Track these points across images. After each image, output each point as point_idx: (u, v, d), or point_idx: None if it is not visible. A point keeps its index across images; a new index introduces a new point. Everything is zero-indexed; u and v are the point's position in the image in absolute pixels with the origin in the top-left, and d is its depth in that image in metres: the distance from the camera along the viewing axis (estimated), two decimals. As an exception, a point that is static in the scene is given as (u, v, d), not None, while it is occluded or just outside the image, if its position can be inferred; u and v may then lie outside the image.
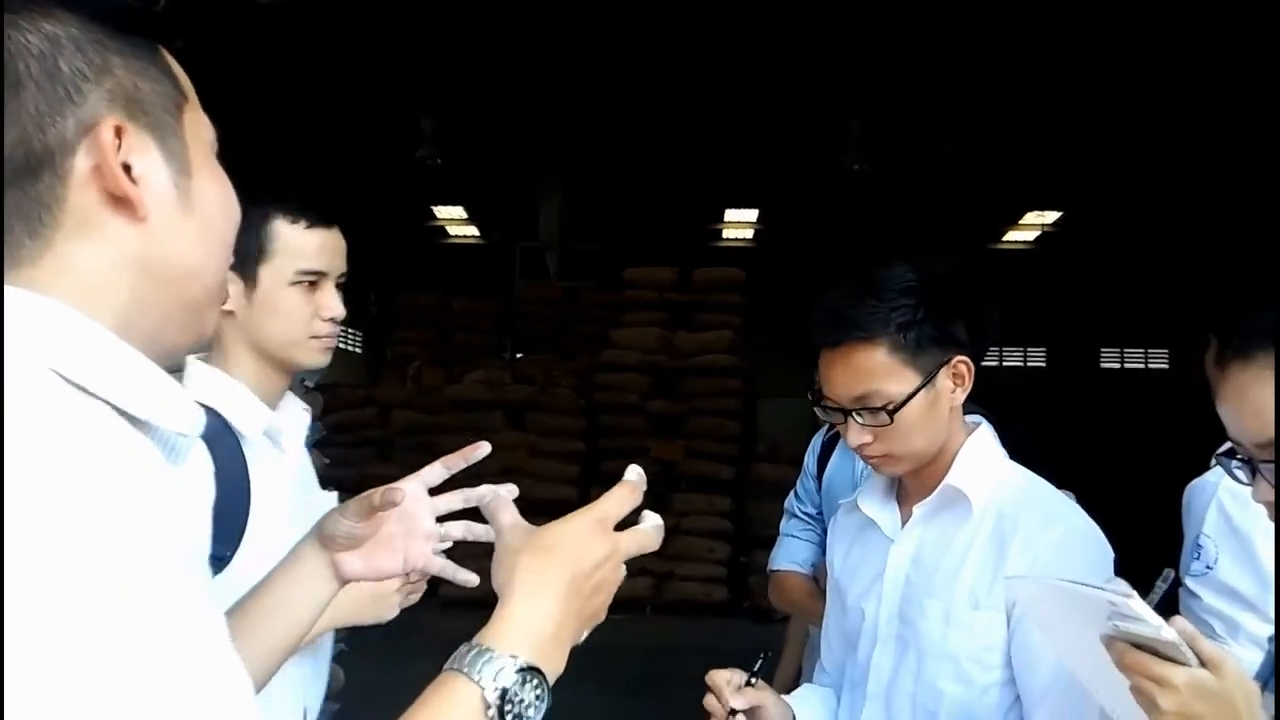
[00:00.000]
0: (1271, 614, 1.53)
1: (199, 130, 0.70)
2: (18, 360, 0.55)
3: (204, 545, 0.69)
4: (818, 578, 2.18)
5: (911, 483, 1.53)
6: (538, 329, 9.02)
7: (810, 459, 2.28)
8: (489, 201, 12.64)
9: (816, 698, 1.59)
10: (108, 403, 0.59)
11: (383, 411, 8.32)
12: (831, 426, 2.25)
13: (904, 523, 1.54)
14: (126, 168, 0.64)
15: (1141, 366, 15.16)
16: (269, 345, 1.53)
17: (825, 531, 2.21)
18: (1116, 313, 14.07)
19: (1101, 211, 11.63)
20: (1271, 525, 1.51)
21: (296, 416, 1.61)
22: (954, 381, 1.46)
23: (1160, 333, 14.57)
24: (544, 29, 6.98)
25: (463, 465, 1.06)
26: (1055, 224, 12.74)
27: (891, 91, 8.21)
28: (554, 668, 0.74)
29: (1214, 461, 1.76)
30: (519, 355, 9.09)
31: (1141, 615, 0.89)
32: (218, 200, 0.71)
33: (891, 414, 1.40)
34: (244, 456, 1.44)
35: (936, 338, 1.43)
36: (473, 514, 1.01)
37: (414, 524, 1.03)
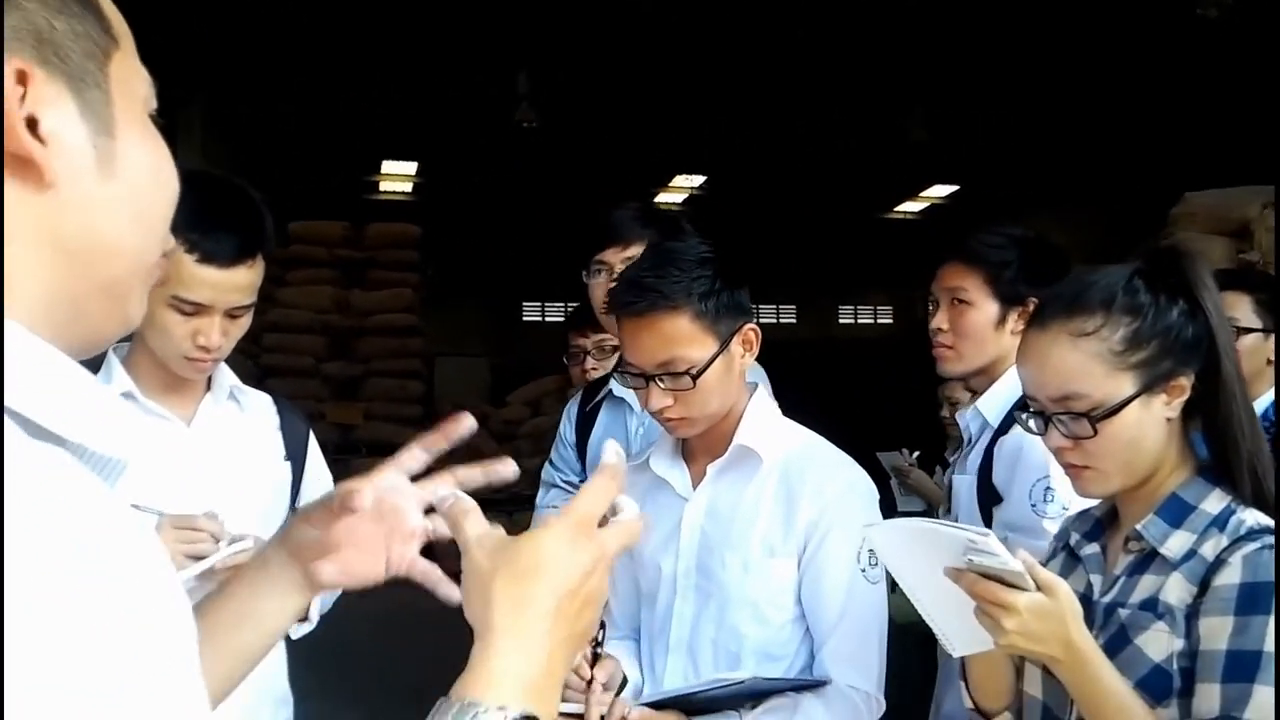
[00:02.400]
0: None
1: (130, 83, 0.59)
2: None
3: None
4: None
5: (698, 443, 1.64)
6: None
7: (566, 427, 2.31)
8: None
9: (624, 650, 1.67)
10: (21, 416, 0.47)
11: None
12: (588, 396, 2.32)
13: (695, 482, 1.65)
14: (32, 122, 0.52)
15: (774, 321, 16.78)
16: (150, 347, 1.59)
17: None
18: (752, 271, 15.45)
19: (740, 177, 12.65)
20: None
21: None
22: (744, 347, 1.60)
23: (788, 290, 16.19)
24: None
25: (445, 446, 0.90)
26: (701, 187, 13.67)
27: (559, 49, 8.36)
28: (549, 710, 0.66)
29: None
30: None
31: (994, 550, 1.06)
32: (148, 165, 0.59)
33: (695, 378, 1.50)
34: None
35: (730, 306, 1.55)
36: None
37: (397, 521, 0.89)
